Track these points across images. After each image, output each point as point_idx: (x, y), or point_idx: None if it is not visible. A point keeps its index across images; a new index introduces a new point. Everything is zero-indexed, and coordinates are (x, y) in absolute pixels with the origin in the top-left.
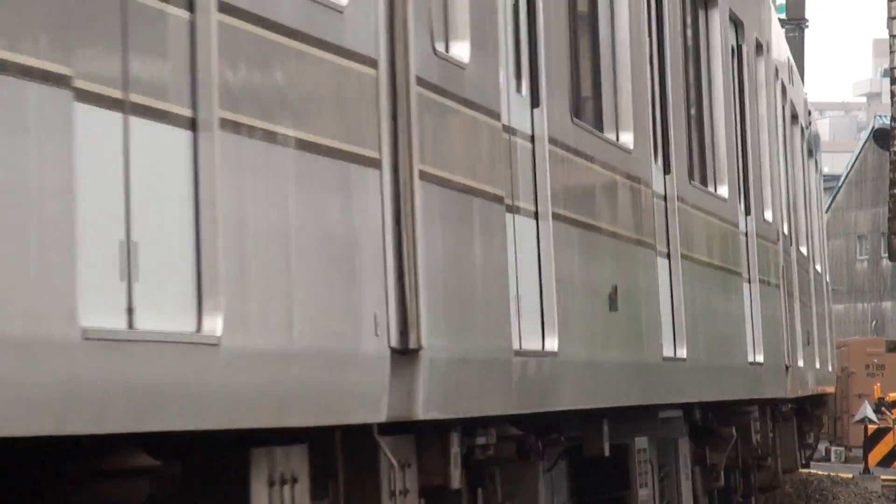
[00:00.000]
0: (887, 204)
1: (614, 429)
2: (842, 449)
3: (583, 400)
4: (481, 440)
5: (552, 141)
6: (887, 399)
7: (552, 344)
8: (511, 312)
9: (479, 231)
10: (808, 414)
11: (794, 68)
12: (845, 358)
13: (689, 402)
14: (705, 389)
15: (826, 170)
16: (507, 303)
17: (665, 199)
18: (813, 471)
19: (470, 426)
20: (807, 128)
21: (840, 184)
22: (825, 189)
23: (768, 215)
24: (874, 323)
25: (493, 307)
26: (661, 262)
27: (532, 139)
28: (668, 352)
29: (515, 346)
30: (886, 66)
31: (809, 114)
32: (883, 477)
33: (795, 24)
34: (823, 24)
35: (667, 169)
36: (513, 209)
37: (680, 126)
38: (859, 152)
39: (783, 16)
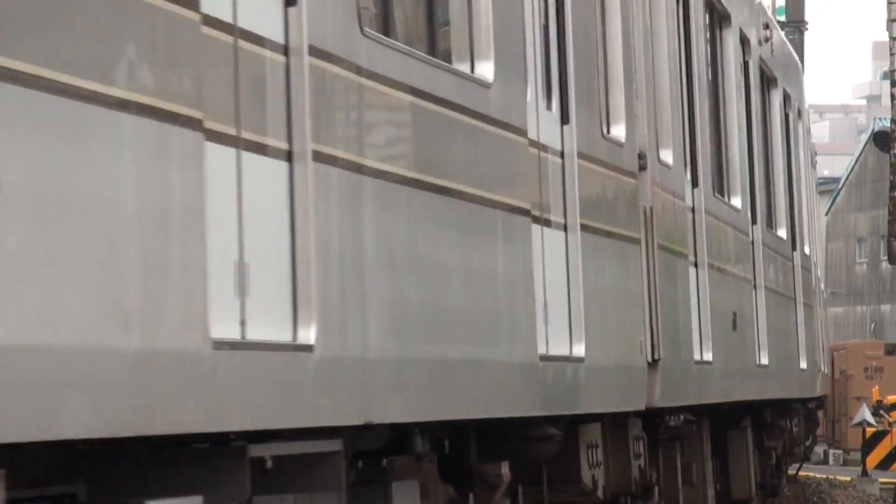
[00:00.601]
0: (887, 207)
1: (117, 478)
2: (840, 452)
3: None
4: None
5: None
6: (885, 402)
7: None
8: None
9: None
10: (768, 426)
11: None
12: (844, 361)
13: (401, 422)
14: (394, 403)
15: (826, 172)
16: None
17: (284, 51)
18: (811, 474)
19: None
20: (762, 43)
21: (840, 186)
22: (824, 192)
23: (619, 131)
24: (873, 326)
25: None
26: (272, 166)
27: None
28: (246, 332)
29: None
30: (886, 68)
31: (767, 27)
32: (881, 480)
33: (795, 26)
34: (823, 26)
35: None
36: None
37: None
38: (859, 155)
39: (782, 18)
